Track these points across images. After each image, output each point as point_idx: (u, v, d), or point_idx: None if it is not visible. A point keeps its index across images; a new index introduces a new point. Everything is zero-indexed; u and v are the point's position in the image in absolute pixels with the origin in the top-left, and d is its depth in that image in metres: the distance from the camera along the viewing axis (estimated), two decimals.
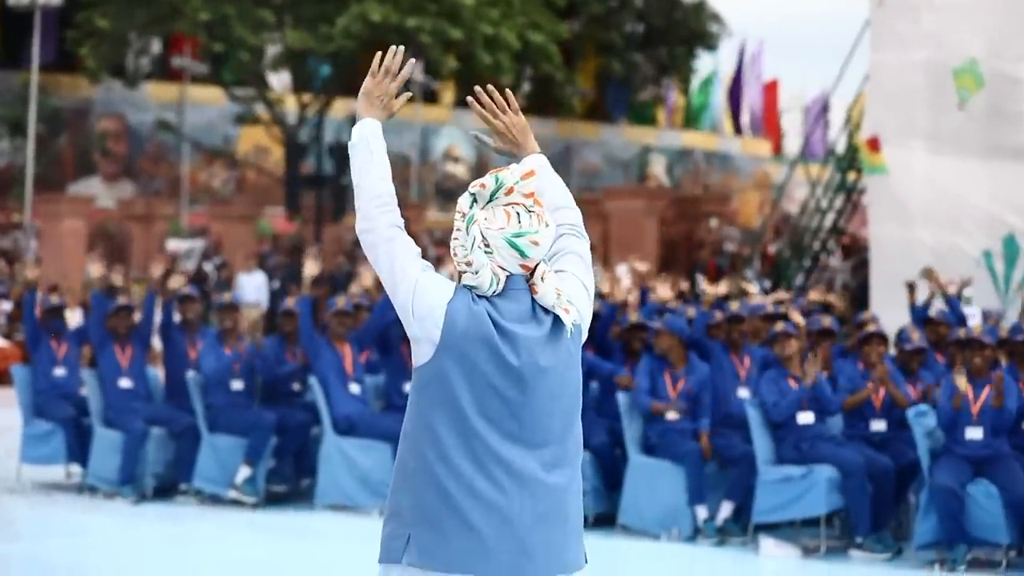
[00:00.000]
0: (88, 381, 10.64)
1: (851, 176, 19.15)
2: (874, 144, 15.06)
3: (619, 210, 24.39)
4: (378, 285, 10.75)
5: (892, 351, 9.88)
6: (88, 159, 35.55)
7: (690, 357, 9.49)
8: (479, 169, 37.86)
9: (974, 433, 8.49)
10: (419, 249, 3.57)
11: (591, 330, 3.64)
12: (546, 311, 3.51)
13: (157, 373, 11.08)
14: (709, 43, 40.00)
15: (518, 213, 3.47)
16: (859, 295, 17.07)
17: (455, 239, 3.48)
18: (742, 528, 9.17)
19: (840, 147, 20.31)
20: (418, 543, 3.43)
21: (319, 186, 27.84)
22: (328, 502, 10.02)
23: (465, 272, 3.48)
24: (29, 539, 9.68)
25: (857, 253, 20.40)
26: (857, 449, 8.93)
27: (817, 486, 8.78)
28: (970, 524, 8.32)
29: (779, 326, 9.29)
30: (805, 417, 8.98)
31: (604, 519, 9.43)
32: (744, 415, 9.14)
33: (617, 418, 9.48)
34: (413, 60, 3.71)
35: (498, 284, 3.48)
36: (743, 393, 9.51)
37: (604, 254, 22.75)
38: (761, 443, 9.02)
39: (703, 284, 10.55)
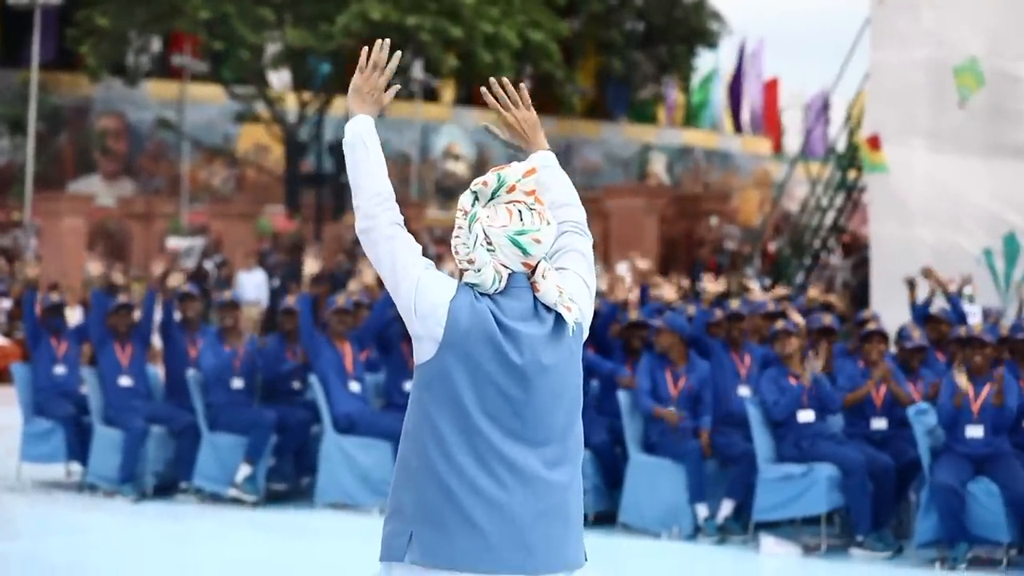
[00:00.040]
0: (88, 379, 10.64)
1: (851, 174, 19.15)
2: (874, 142, 15.06)
3: (619, 208, 24.37)
4: (378, 283, 10.74)
5: (893, 349, 9.87)
6: (88, 157, 35.55)
7: (690, 355, 9.48)
8: (479, 167, 37.88)
9: (975, 431, 8.49)
10: (420, 246, 3.57)
11: (591, 328, 3.63)
12: (548, 309, 3.50)
13: (157, 371, 11.08)
14: (709, 41, 39.99)
15: (520, 211, 3.47)
16: (859, 293, 17.08)
17: (457, 237, 3.47)
18: (743, 526, 9.16)
19: (840, 145, 20.31)
20: (421, 541, 3.43)
21: (319, 184, 27.85)
22: (328, 500, 10.01)
23: (467, 270, 3.47)
24: (29, 537, 9.67)
25: (857, 251, 20.42)
26: (858, 447, 8.92)
27: (818, 484, 8.77)
28: (971, 522, 8.31)
29: (779, 324, 9.28)
30: (806, 415, 8.98)
31: (604, 517, 9.43)
32: (744, 413, 9.14)
33: (618, 416, 9.47)
34: (399, 52, 3.70)
35: (500, 282, 3.47)
36: (743, 391, 9.51)
37: (604, 252, 22.74)
38: (761, 441, 9.02)
39: (706, 282, 10.52)
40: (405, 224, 3.58)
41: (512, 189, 3.48)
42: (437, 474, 3.43)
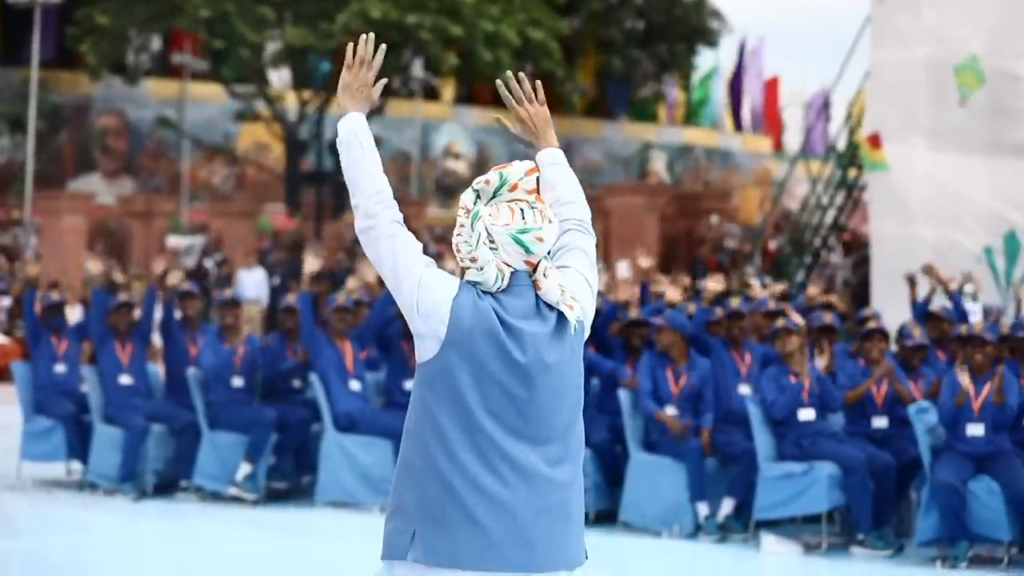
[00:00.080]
0: (88, 378, 10.63)
1: (852, 172, 19.16)
2: (875, 140, 15.07)
3: (620, 207, 24.36)
4: (378, 281, 10.73)
5: (893, 348, 9.87)
6: (88, 156, 35.54)
7: (691, 353, 9.47)
8: (479, 165, 37.87)
9: (975, 430, 8.48)
10: (421, 245, 3.56)
11: (592, 327, 3.63)
12: (550, 307, 3.50)
13: (157, 370, 11.07)
14: (709, 39, 39.98)
15: (522, 209, 3.47)
16: (860, 292, 17.09)
17: (459, 235, 3.47)
18: (743, 525, 9.16)
19: (841, 143, 20.31)
20: (423, 539, 3.42)
21: (319, 182, 27.87)
22: (329, 499, 10.01)
23: (469, 268, 3.47)
24: (29, 536, 9.66)
25: (858, 249, 20.42)
26: (858, 446, 8.92)
27: (818, 483, 8.76)
28: (971, 521, 8.31)
29: (780, 322, 9.28)
30: (806, 414, 8.97)
31: (605, 516, 9.42)
32: (745, 412, 9.13)
33: (618, 415, 9.47)
34: (384, 46, 3.70)
35: (503, 280, 3.47)
36: (744, 390, 9.50)
37: (605, 251, 22.73)
38: (762, 440, 9.01)
39: (708, 280, 10.50)
40: (405, 222, 3.58)
41: (514, 187, 3.48)
42: (439, 472, 3.42)
